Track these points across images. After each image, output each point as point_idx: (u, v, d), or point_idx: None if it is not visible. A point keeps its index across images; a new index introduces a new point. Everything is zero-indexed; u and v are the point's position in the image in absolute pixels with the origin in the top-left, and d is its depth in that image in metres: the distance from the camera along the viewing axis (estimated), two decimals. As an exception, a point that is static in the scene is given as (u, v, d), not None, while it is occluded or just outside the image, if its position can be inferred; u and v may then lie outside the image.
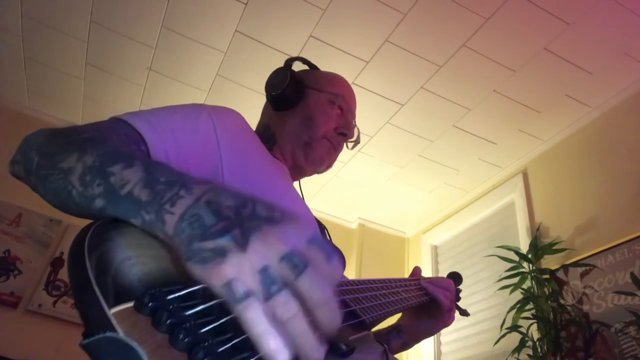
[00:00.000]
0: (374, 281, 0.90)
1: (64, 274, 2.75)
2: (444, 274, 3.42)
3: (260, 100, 1.10)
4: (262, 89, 1.06)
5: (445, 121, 2.74)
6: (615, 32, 2.15)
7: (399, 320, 1.11)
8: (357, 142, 1.10)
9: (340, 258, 0.94)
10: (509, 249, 2.51)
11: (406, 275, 1.13)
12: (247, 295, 0.38)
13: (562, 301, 2.24)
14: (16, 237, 2.74)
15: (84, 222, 0.47)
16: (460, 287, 1.22)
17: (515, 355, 2.22)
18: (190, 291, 0.42)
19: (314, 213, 1.05)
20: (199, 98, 2.80)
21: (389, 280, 0.96)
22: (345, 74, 1.18)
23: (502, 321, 2.28)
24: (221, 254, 0.39)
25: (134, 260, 0.43)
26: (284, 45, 2.41)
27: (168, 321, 0.38)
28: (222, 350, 0.39)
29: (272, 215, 0.43)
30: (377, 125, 2.83)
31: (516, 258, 2.44)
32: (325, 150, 1.01)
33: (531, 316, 2.25)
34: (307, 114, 1.01)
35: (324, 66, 1.21)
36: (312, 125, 1.00)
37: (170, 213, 0.44)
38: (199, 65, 2.60)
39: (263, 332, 0.37)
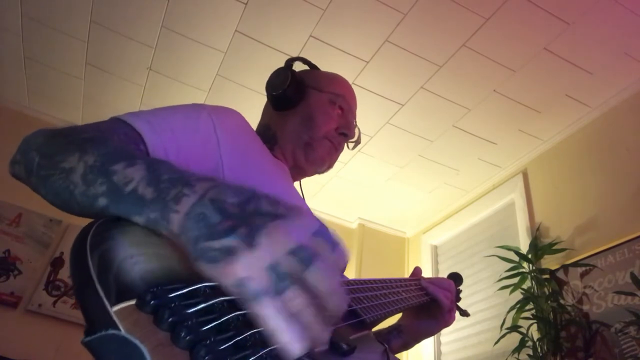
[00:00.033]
0: (375, 281, 0.91)
1: (64, 274, 2.75)
2: (444, 274, 3.43)
3: (261, 100, 1.10)
4: (262, 89, 1.06)
5: (445, 121, 2.74)
6: (615, 32, 2.15)
7: (399, 320, 1.11)
8: (357, 142, 1.10)
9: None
10: (509, 249, 2.51)
11: (406, 275, 1.13)
12: (260, 292, 0.39)
13: (562, 301, 2.25)
14: (16, 237, 2.74)
15: (84, 222, 0.47)
16: (460, 287, 1.22)
17: (515, 355, 2.22)
18: (192, 289, 0.42)
19: (314, 213, 1.05)
20: (199, 98, 2.80)
21: (390, 280, 0.96)
22: (345, 74, 1.18)
23: (502, 321, 2.28)
24: (230, 253, 0.40)
25: (136, 258, 0.43)
26: (284, 45, 2.41)
27: (170, 319, 0.38)
28: (223, 349, 0.40)
29: (276, 210, 0.44)
30: (377, 125, 2.83)
31: (516, 258, 2.44)
32: (326, 150, 1.01)
33: (531, 316, 2.25)
34: (308, 114, 1.01)
35: (324, 66, 1.21)
36: (313, 125, 1.00)
37: (175, 211, 0.44)
38: (199, 65, 2.60)
39: (277, 326, 0.39)
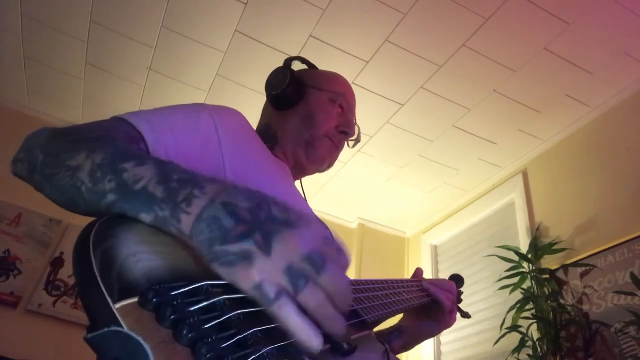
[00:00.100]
0: (376, 282, 0.91)
1: (64, 274, 2.75)
2: (444, 274, 3.43)
3: (261, 100, 1.10)
4: (262, 89, 1.06)
5: (445, 121, 2.74)
6: (615, 32, 2.15)
7: (400, 321, 1.11)
8: (358, 140, 1.10)
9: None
10: (509, 249, 2.51)
11: (407, 275, 1.14)
12: (278, 294, 0.42)
13: (562, 301, 2.25)
14: (16, 237, 2.74)
15: (84, 222, 0.47)
16: (461, 288, 1.22)
17: (515, 355, 2.22)
18: (194, 287, 0.42)
19: (315, 213, 1.05)
20: (199, 98, 2.80)
21: (391, 281, 0.96)
22: (345, 74, 1.19)
23: (502, 321, 2.28)
24: (247, 258, 0.42)
25: (139, 256, 0.43)
26: (284, 45, 2.41)
27: (172, 317, 0.39)
28: (225, 346, 0.40)
29: (288, 217, 0.46)
30: (377, 125, 2.83)
31: (516, 258, 2.44)
32: (327, 148, 1.01)
33: (531, 316, 2.25)
34: (308, 113, 1.01)
35: (324, 66, 1.21)
36: (314, 124, 1.00)
37: (186, 213, 0.45)
38: (199, 65, 2.60)
39: (297, 324, 0.41)
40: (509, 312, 2.30)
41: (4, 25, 2.53)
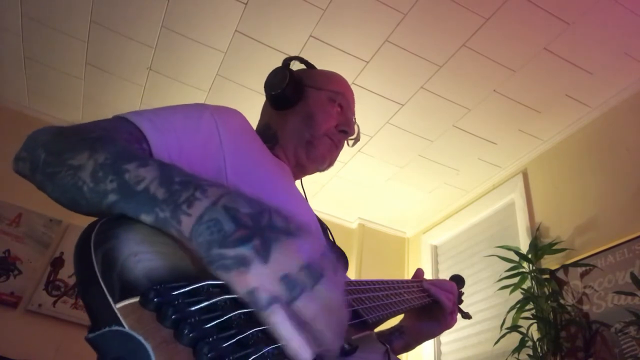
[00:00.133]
0: (377, 282, 0.91)
1: (64, 274, 2.75)
2: (444, 274, 3.43)
3: (261, 100, 1.10)
4: (262, 89, 1.06)
5: (445, 121, 2.74)
6: (615, 32, 2.15)
7: (401, 321, 1.11)
8: (357, 139, 1.10)
9: (343, 260, 0.95)
10: (509, 249, 2.51)
11: (407, 275, 1.14)
12: (272, 301, 0.42)
13: (562, 301, 2.25)
14: (16, 237, 2.74)
15: (84, 222, 0.47)
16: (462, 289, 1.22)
17: (515, 355, 2.22)
18: (194, 287, 0.42)
19: (315, 213, 1.05)
20: (199, 98, 2.80)
21: (392, 281, 0.96)
22: (345, 74, 1.19)
23: (502, 321, 2.28)
24: (244, 263, 0.42)
25: (140, 256, 0.43)
26: (284, 45, 2.41)
27: (173, 316, 0.39)
28: (226, 346, 0.40)
29: (288, 227, 0.46)
30: (377, 125, 2.83)
31: (516, 258, 2.44)
32: (327, 147, 1.01)
33: (531, 316, 2.25)
34: (307, 112, 1.01)
35: (324, 66, 1.21)
36: (314, 123, 1.00)
37: (186, 214, 0.46)
38: (199, 65, 2.60)
39: (288, 333, 0.41)
40: (509, 312, 2.30)
41: (4, 25, 2.53)
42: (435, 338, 3.10)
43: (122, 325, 0.37)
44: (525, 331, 2.21)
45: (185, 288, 0.42)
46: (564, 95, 2.49)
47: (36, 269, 2.71)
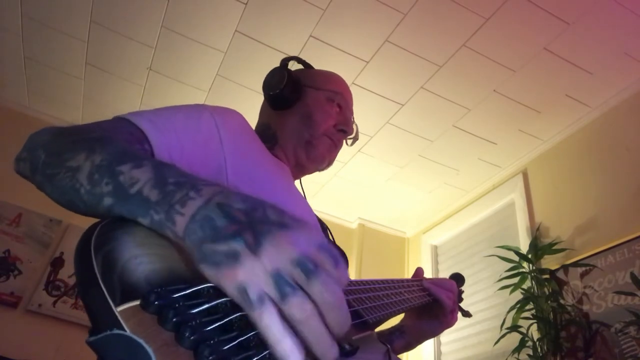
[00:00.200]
0: (377, 282, 0.91)
1: (64, 274, 2.75)
2: (444, 274, 3.43)
3: (261, 100, 1.10)
4: (261, 89, 1.06)
5: (445, 121, 2.74)
6: (615, 32, 2.15)
7: (401, 321, 1.11)
8: (356, 138, 1.11)
9: (344, 259, 0.95)
10: (509, 249, 2.51)
11: (407, 275, 1.14)
12: (261, 299, 0.39)
13: (562, 301, 2.25)
14: (16, 237, 2.74)
15: (84, 222, 0.47)
16: (462, 287, 1.22)
17: (515, 355, 2.22)
18: (195, 290, 0.42)
19: (316, 214, 1.05)
20: (199, 98, 2.80)
21: (392, 280, 0.96)
22: (345, 74, 1.19)
23: (502, 321, 2.28)
24: (234, 257, 0.40)
25: (140, 259, 0.43)
26: (284, 45, 2.41)
27: (174, 319, 0.38)
28: (227, 349, 0.40)
29: (282, 220, 0.44)
30: (377, 125, 2.83)
31: (516, 258, 2.44)
32: (326, 147, 1.02)
33: (531, 316, 2.25)
34: (306, 112, 1.02)
35: (324, 66, 1.21)
36: (312, 123, 1.00)
37: (180, 214, 0.45)
38: (199, 65, 2.60)
39: (277, 334, 0.38)
40: (509, 312, 2.30)
41: (4, 25, 2.53)
42: (435, 338, 3.11)
43: (123, 329, 0.37)
44: (525, 331, 2.21)
45: (186, 290, 0.41)
46: (564, 95, 2.49)
47: (36, 269, 2.71)
